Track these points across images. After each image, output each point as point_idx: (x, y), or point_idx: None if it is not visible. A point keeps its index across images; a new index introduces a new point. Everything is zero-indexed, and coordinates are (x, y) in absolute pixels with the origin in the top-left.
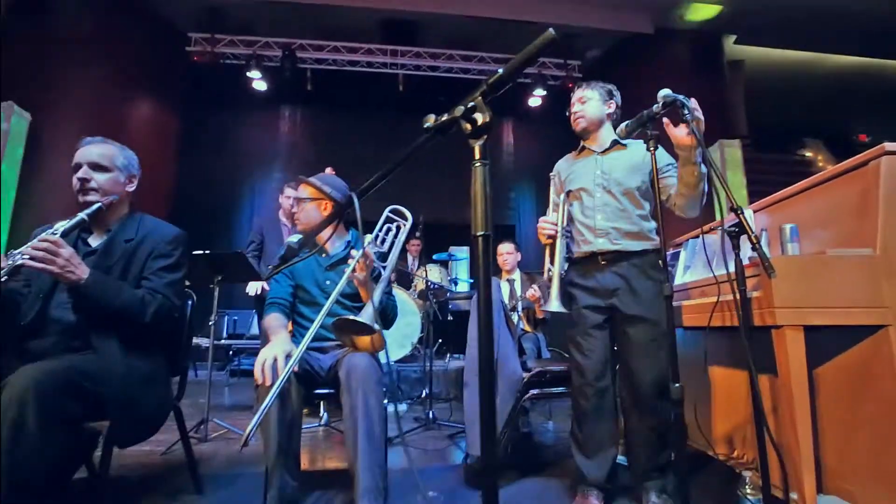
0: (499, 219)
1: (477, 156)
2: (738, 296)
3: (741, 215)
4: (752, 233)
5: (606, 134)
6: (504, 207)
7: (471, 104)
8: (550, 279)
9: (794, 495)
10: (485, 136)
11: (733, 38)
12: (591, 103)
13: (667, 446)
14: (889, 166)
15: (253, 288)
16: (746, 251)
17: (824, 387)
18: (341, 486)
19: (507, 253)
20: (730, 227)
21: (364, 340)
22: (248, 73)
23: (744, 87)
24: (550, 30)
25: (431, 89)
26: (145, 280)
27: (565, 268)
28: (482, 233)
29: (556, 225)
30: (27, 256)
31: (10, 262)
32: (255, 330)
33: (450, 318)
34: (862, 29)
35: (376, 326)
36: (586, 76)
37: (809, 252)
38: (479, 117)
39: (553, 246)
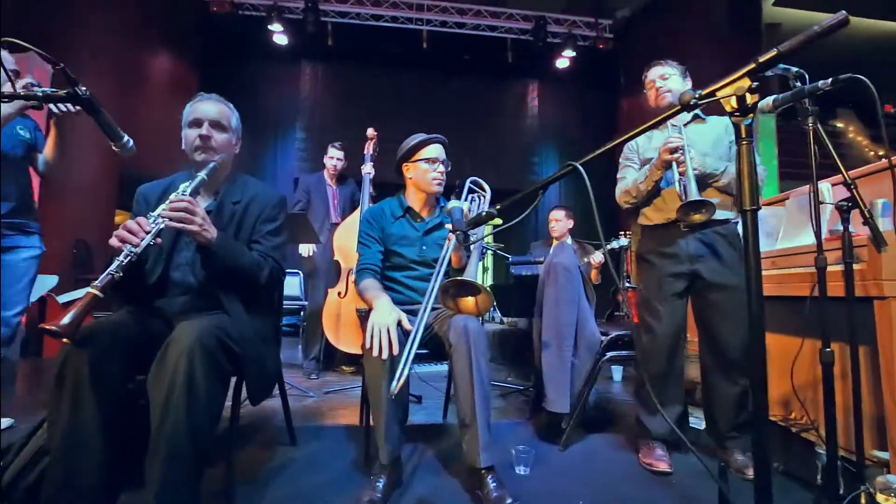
0: (521, 183)
1: (743, 134)
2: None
3: (854, 190)
4: (865, 207)
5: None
6: (527, 172)
7: (748, 89)
8: (686, 190)
9: (883, 454)
10: (751, 115)
11: None
12: (673, 79)
13: (746, 407)
14: None
15: (306, 249)
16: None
17: None
18: (420, 440)
19: (554, 220)
20: (841, 201)
21: (468, 303)
22: (268, 27)
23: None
24: (844, 11)
25: (457, 47)
26: (255, 244)
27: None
28: (750, 207)
29: (682, 137)
30: (167, 218)
31: (154, 226)
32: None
33: (511, 282)
34: None
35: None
36: (618, 36)
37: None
38: (749, 97)
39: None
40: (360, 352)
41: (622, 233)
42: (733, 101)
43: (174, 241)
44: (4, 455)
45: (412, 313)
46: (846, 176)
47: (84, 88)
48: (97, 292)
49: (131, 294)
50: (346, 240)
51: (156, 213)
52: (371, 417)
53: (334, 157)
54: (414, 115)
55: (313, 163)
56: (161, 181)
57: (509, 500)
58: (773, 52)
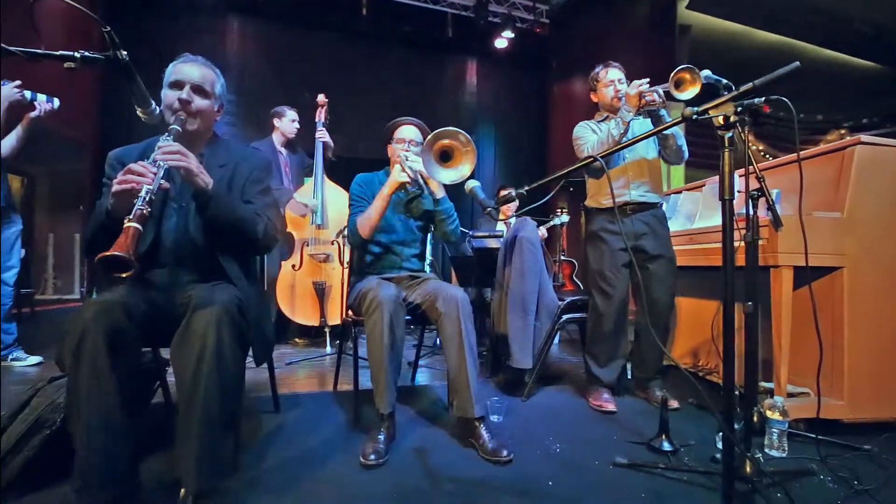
0: None
1: (726, 144)
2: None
3: (763, 182)
4: (770, 196)
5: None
6: None
7: (735, 111)
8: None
9: (768, 384)
10: (732, 130)
11: (686, 2)
12: (624, 85)
13: (662, 355)
14: (860, 153)
15: None
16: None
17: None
18: (398, 401)
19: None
20: (753, 190)
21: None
22: None
23: (688, 52)
24: (797, 63)
25: (398, 18)
26: (248, 203)
27: None
28: (728, 197)
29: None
30: (165, 161)
31: (156, 169)
32: None
33: (470, 253)
34: (783, 10)
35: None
36: (554, 22)
37: (787, 213)
38: (733, 118)
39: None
40: (315, 323)
41: (559, 210)
42: (720, 119)
43: (162, 207)
44: None
45: (396, 280)
46: (758, 171)
47: (125, 53)
48: (136, 224)
49: None
50: (297, 208)
51: (150, 160)
52: (371, 373)
53: (296, 121)
54: (351, 85)
55: (243, 129)
56: (135, 146)
57: (505, 453)
58: (749, 86)
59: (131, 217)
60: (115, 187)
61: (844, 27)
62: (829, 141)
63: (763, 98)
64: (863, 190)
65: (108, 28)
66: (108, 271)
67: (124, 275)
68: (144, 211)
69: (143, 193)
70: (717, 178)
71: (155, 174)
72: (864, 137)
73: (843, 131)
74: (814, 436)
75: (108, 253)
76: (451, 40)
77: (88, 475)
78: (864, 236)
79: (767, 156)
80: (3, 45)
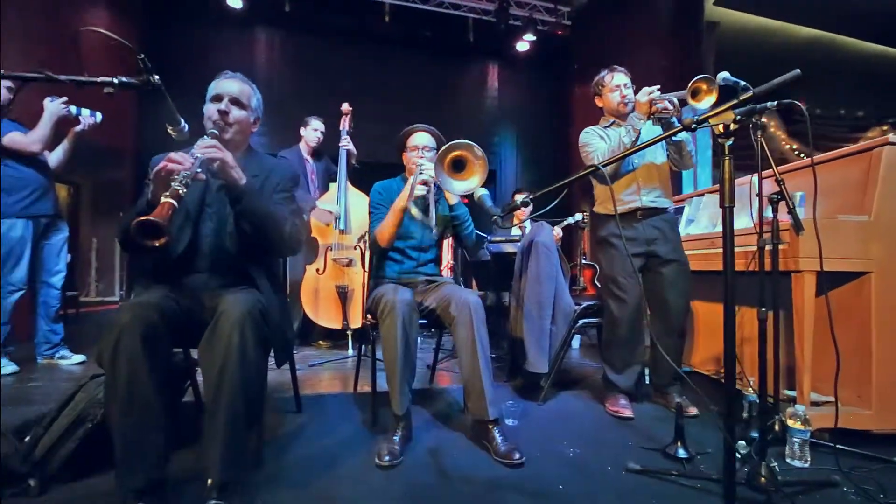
0: None
1: (726, 152)
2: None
3: (783, 185)
4: (790, 200)
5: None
6: (487, 153)
7: (733, 120)
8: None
9: (791, 392)
10: (732, 138)
11: None
12: (631, 90)
13: (681, 360)
14: (889, 154)
15: None
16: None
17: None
18: (416, 402)
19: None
20: (772, 194)
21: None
22: None
23: (715, 49)
24: (798, 70)
25: (419, 23)
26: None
27: None
28: (728, 205)
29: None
30: (203, 154)
31: (194, 159)
32: None
33: (488, 258)
34: (818, 1)
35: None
36: (575, 24)
37: (811, 217)
38: (733, 126)
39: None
40: (338, 326)
41: (581, 212)
42: (720, 128)
43: (199, 211)
44: (34, 428)
45: (412, 284)
46: (777, 174)
47: (157, 77)
48: (172, 200)
49: (161, 269)
50: (322, 217)
51: (188, 154)
52: (386, 376)
53: (318, 130)
54: (374, 91)
55: (271, 136)
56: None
57: (517, 456)
58: (750, 93)
59: (167, 194)
60: (156, 170)
61: (884, 18)
62: (869, 138)
63: (775, 102)
64: (891, 192)
65: (143, 55)
66: (141, 238)
67: (157, 243)
68: (180, 191)
69: (179, 176)
70: (739, 179)
71: (193, 163)
72: (892, 138)
73: (885, 128)
74: (833, 445)
75: (143, 217)
76: (472, 44)
77: (126, 463)
78: (892, 240)
79: (802, 154)
80: (50, 73)
